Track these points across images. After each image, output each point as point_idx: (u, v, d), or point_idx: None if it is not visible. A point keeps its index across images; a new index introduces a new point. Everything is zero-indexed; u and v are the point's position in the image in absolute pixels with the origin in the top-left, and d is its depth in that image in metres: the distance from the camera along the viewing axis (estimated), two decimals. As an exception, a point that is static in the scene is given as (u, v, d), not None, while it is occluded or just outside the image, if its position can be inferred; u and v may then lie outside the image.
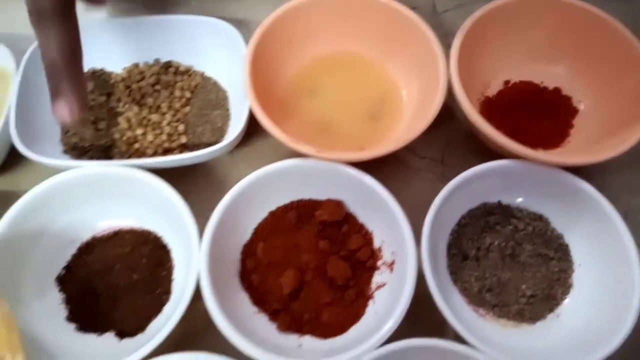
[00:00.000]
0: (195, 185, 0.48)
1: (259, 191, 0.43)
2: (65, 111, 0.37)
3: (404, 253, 0.40)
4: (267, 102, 0.44)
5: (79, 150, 0.47)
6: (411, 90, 0.48)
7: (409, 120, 0.47)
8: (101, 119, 0.48)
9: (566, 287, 0.43)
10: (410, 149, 0.50)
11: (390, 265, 0.42)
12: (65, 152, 0.47)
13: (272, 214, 0.45)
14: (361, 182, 0.42)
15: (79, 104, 0.37)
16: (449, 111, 0.50)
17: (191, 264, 0.39)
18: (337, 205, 0.44)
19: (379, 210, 0.42)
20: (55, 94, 0.37)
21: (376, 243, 0.44)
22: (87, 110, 0.39)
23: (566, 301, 0.42)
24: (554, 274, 0.43)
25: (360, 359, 0.36)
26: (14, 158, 0.48)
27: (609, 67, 0.47)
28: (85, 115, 0.39)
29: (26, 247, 0.42)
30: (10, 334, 0.34)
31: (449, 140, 0.50)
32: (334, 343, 0.40)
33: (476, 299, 0.42)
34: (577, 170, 0.43)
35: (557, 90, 0.50)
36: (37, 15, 0.36)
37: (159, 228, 0.45)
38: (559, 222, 0.44)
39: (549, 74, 0.51)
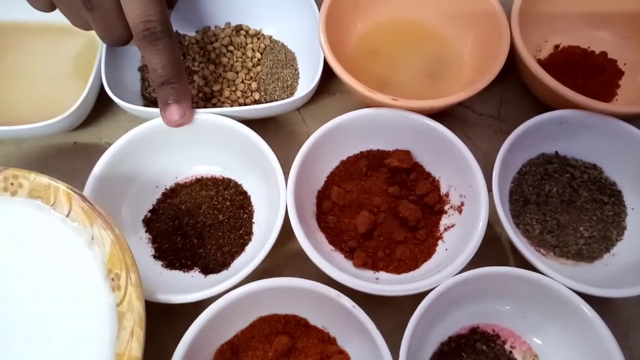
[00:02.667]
0: (266, 139, 0.51)
1: (332, 140, 0.46)
2: (175, 116, 0.43)
3: (474, 195, 0.43)
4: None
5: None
6: (471, 50, 0.51)
7: (467, 77, 0.50)
8: (178, 76, 0.51)
9: (620, 229, 0.46)
10: (467, 106, 0.53)
11: (459, 208, 0.45)
12: (146, 106, 0.50)
13: (344, 163, 0.48)
14: (432, 130, 0.45)
15: (187, 109, 0.43)
16: (502, 72, 0.54)
17: (278, 204, 0.42)
18: (406, 153, 0.47)
19: (447, 157, 0.45)
20: (165, 103, 0.42)
21: (443, 189, 0.47)
22: (193, 114, 0.44)
23: (621, 242, 0.46)
24: (609, 217, 0.46)
25: (439, 285, 0.39)
26: (97, 113, 0.51)
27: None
28: (191, 119, 0.44)
29: (121, 188, 0.45)
30: (124, 254, 0.37)
31: (504, 98, 0.53)
32: (408, 277, 0.43)
33: (537, 240, 0.46)
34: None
35: (603, 54, 0.54)
36: (148, 37, 0.40)
37: (238, 176, 0.48)
38: (612, 170, 0.48)
39: (595, 39, 0.54)
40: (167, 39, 0.41)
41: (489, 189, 0.43)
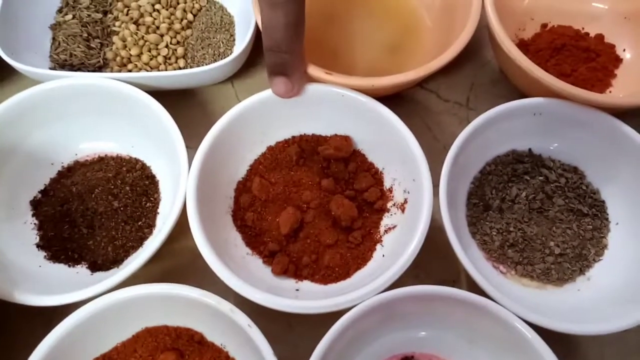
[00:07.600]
0: (192, 115, 0.44)
1: (257, 120, 0.39)
2: (282, 88, 0.36)
3: (418, 190, 0.35)
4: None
5: (67, 68, 0.43)
6: (437, 23, 0.43)
7: (431, 54, 0.42)
8: (95, 37, 0.44)
9: (600, 248, 0.38)
10: (432, 90, 0.45)
11: (402, 206, 0.37)
12: (54, 69, 0.43)
13: (271, 149, 0.40)
14: (373, 111, 0.37)
15: (295, 82, 0.36)
16: (476, 52, 0.45)
17: (178, 192, 0.35)
18: (345, 140, 0.39)
19: (391, 145, 0.37)
20: (273, 72, 0.36)
21: (387, 183, 0.39)
22: (302, 90, 0.38)
23: (599, 263, 0.37)
24: (587, 232, 0.38)
25: (362, 302, 0.31)
26: (1, 75, 0.45)
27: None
28: (300, 92, 0.38)
29: (-2, 162, 0.38)
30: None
31: (475, 82, 0.45)
32: (335, 289, 0.36)
33: (497, 255, 0.38)
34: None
35: (599, 37, 0.45)
36: None
37: (148, 157, 0.41)
38: (596, 175, 0.39)
39: (591, 19, 0.45)
40: (291, 2, 0.33)
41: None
